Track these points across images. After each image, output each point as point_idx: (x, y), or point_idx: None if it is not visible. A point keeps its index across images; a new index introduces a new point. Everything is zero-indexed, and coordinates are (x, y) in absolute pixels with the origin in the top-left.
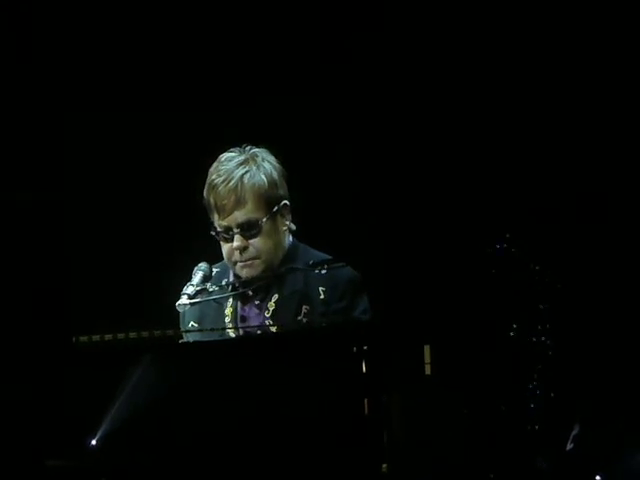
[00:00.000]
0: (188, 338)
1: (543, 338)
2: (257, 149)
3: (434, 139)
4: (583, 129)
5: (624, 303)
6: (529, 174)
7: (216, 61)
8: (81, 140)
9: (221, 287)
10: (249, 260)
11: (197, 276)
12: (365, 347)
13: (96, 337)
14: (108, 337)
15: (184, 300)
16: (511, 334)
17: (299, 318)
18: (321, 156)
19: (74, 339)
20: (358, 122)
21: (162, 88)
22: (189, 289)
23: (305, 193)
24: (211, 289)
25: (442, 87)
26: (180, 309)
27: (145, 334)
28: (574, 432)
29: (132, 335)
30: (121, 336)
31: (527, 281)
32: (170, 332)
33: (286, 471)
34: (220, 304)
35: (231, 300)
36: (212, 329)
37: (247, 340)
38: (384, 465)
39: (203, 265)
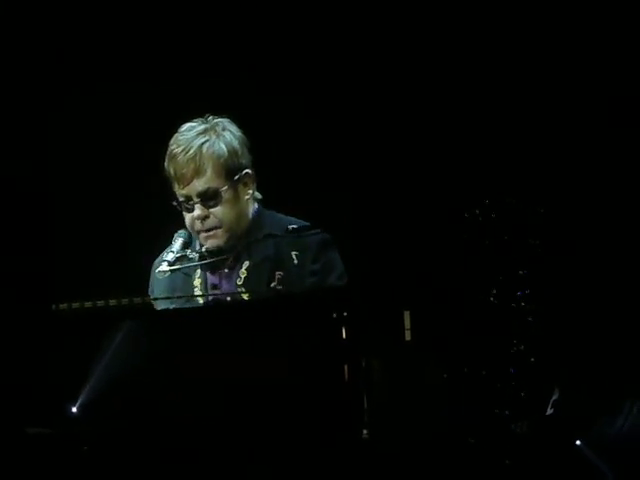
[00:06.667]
0: (161, 307)
1: (523, 303)
2: (219, 119)
3: (412, 101)
4: (563, 93)
5: (604, 267)
6: (508, 138)
7: (186, 32)
8: (62, 115)
9: (201, 254)
10: (211, 230)
11: (177, 243)
12: (345, 313)
13: (76, 304)
14: (88, 304)
15: (164, 267)
16: (491, 299)
17: (273, 285)
18: (292, 122)
19: (54, 307)
20: (331, 88)
21: (131, 60)
22: (169, 256)
23: (277, 160)
24: (191, 256)
25: (413, 51)
26: (160, 276)
27: (125, 301)
28: (554, 397)
29: (112, 302)
30: (101, 303)
31: (507, 247)
32: (150, 299)
33: (266, 439)
34: (188, 275)
35: (199, 271)
36: (197, 295)
37: (226, 307)
38: (365, 431)
39: (183, 232)
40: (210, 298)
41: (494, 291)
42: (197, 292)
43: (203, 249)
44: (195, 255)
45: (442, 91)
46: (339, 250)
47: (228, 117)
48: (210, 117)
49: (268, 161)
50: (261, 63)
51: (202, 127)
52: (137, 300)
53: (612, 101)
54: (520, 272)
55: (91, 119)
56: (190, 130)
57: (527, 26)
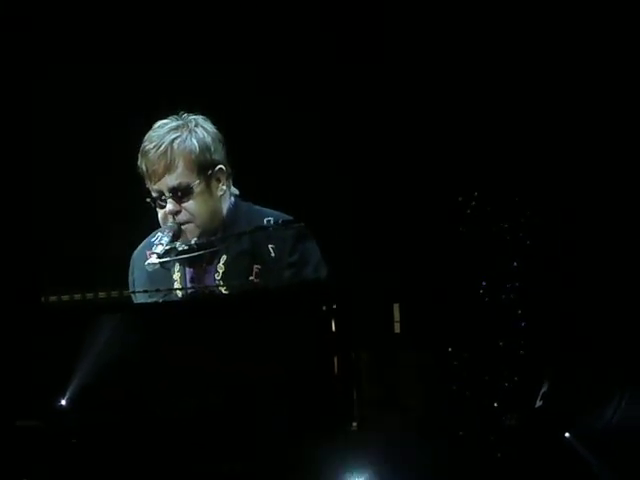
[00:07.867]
0: (141, 300)
1: (512, 296)
2: (193, 116)
3: (400, 90)
4: (552, 86)
5: (593, 260)
6: (499, 133)
7: (166, 27)
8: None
9: (190, 246)
10: (183, 224)
11: (166, 235)
12: (334, 306)
13: (65, 297)
14: (77, 297)
15: (153, 259)
16: (480, 292)
17: (251, 278)
18: (282, 116)
19: (43, 299)
20: (322, 77)
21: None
22: (158, 248)
23: (267, 154)
24: (180, 248)
25: (400, 41)
26: (149, 268)
27: (114, 294)
28: (543, 389)
29: (101, 295)
30: (90, 296)
31: (496, 239)
32: (139, 292)
33: (257, 430)
34: (167, 269)
35: (177, 265)
36: (183, 288)
37: (214, 301)
38: (354, 423)
39: (171, 224)
40: (190, 291)
41: (483, 284)
42: (177, 286)
43: (192, 241)
44: (185, 247)
45: (431, 80)
46: (331, 244)
47: (203, 114)
48: (185, 114)
49: (264, 157)
50: (244, 60)
51: (174, 124)
52: (126, 293)
53: (608, 99)
54: (509, 265)
55: (81, 111)
56: (162, 127)
57: (524, 25)
